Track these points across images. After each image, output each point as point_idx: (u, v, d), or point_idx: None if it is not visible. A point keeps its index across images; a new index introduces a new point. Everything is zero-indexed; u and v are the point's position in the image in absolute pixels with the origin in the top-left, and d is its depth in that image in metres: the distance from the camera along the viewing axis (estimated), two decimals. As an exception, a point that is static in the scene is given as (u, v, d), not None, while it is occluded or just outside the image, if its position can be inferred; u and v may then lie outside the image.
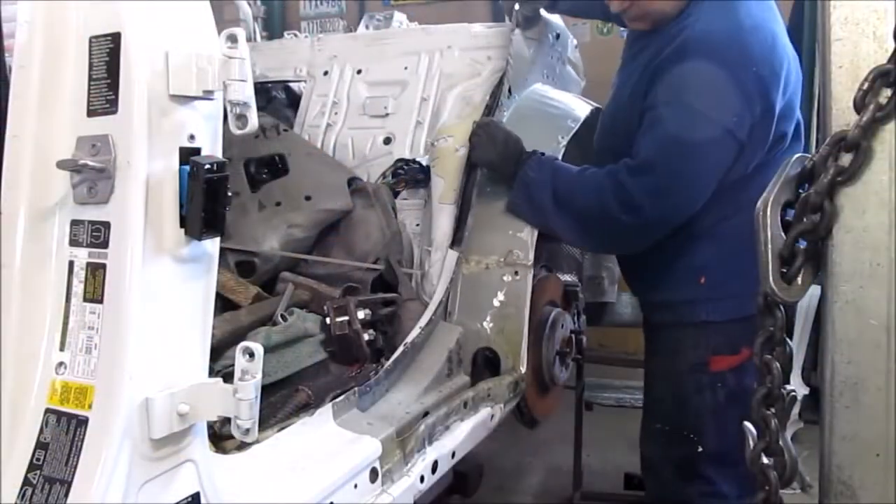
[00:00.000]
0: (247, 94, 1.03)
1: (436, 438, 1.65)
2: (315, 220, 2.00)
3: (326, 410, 1.47)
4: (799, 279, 1.00)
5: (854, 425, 0.97)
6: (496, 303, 1.97)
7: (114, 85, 0.99)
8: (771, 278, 0.99)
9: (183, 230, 1.02)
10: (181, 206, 1.02)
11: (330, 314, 1.69)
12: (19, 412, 1.01)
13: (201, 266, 1.07)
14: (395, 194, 2.14)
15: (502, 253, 1.99)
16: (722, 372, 1.85)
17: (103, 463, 0.95)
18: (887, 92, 0.92)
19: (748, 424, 1.08)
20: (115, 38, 0.99)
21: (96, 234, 1.01)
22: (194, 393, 1.04)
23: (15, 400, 1.01)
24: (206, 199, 1.00)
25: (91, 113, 1.01)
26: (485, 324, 1.96)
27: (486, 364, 1.97)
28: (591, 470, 3.11)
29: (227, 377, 1.05)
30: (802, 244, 1.00)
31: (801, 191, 1.01)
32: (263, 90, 2.55)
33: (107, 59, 1.00)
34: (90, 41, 1.01)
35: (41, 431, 1.00)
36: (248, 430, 1.02)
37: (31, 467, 0.98)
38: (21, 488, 0.98)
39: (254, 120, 1.04)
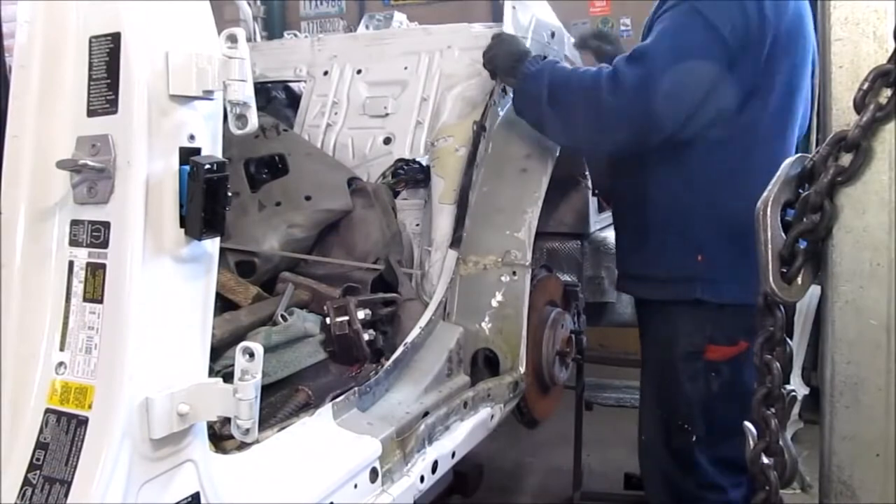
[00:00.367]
0: (247, 94, 1.03)
1: (436, 438, 1.65)
2: (315, 220, 2.00)
3: (326, 410, 1.47)
4: (799, 279, 1.00)
5: (854, 425, 0.97)
6: (494, 303, 1.97)
7: (114, 85, 1.00)
8: (771, 278, 0.99)
9: (183, 230, 1.02)
10: (181, 206, 1.02)
11: (330, 314, 1.69)
12: (19, 412, 1.01)
13: (201, 266, 1.07)
14: (395, 194, 2.14)
15: (500, 253, 1.99)
16: (717, 362, 1.86)
17: (103, 463, 0.95)
18: (887, 92, 0.92)
19: (748, 424, 1.08)
20: (115, 38, 0.99)
21: (96, 234, 1.01)
22: (194, 393, 1.04)
23: (15, 400, 1.01)
24: (206, 199, 1.00)
25: (91, 113, 1.01)
26: (483, 324, 1.96)
27: (486, 364, 1.97)
28: (591, 470, 3.11)
29: (227, 377, 1.05)
30: (802, 244, 1.00)
31: (801, 191, 1.01)
32: (263, 90, 2.55)
33: (107, 59, 1.00)
34: (90, 41, 1.01)
35: (41, 431, 1.00)
36: (248, 430, 1.02)
37: (31, 467, 0.98)
38: (21, 488, 0.98)
39: (254, 120, 1.04)
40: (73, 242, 1.02)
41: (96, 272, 1.00)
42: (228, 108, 1.04)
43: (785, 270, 1.00)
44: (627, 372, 3.22)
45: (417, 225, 2.13)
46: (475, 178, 2.05)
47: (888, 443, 0.95)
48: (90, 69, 1.01)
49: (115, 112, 0.99)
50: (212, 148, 1.07)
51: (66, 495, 0.95)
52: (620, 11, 5.97)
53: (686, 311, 1.89)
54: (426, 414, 1.65)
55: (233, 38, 1.02)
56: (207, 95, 1.03)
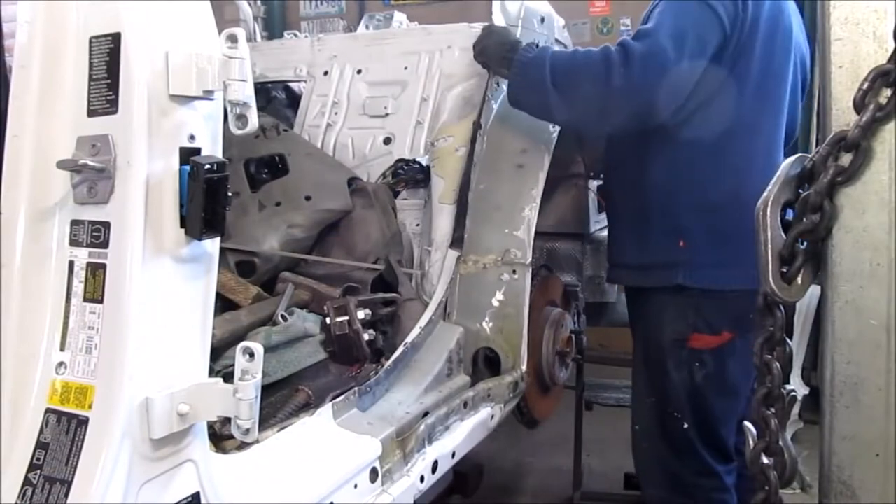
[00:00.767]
0: (247, 94, 1.03)
1: (436, 438, 1.65)
2: (315, 220, 2.00)
3: (326, 410, 1.47)
4: (799, 279, 1.00)
5: (854, 425, 0.97)
6: (495, 303, 1.97)
7: (114, 85, 1.00)
8: (771, 278, 0.99)
9: (183, 230, 1.02)
10: (181, 206, 1.02)
11: (330, 314, 1.69)
12: (19, 412, 1.01)
13: (201, 266, 1.07)
14: (395, 194, 2.14)
15: (500, 252, 1.99)
16: (700, 350, 1.87)
17: (103, 463, 0.95)
18: (887, 92, 0.92)
19: (748, 424, 1.08)
20: (115, 38, 0.99)
21: (96, 234, 1.01)
22: (194, 393, 1.04)
23: (15, 400, 1.01)
24: (206, 199, 1.00)
25: (91, 113, 1.01)
26: (484, 324, 1.96)
27: (486, 364, 1.97)
28: (591, 470, 3.11)
29: (227, 377, 1.05)
30: (803, 244, 1.00)
31: (800, 191, 1.01)
32: (263, 90, 2.55)
33: (107, 59, 1.00)
34: (90, 41, 1.01)
35: (41, 431, 1.00)
36: (248, 430, 1.02)
37: (32, 467, 0.98)
38: (21, 488, 0.98)
39: (254, 120, 1.04)
40: (74, 242, 1.02)
41: (96, 272, 1.00)
42: (228, 108, 1.04)
43: (785, 270, 1.00)
44: (627, 372, 3.18)
45: (417, 225, 2.13)
46: (473, 177, 2.04)
47: (888, 443, 0.95)
48: (90, 69, 1.01)
49: (115, 112, 0.99)
50: (212, 148, 1.07)
51: (67, 495, 0.95)
52: (620, 11, 5.96)
53: (669, 299, 1.90)
54: (426, 414, 1.65)
55: (233, 38, 1.02)
56: (207, 95, 1.03)
